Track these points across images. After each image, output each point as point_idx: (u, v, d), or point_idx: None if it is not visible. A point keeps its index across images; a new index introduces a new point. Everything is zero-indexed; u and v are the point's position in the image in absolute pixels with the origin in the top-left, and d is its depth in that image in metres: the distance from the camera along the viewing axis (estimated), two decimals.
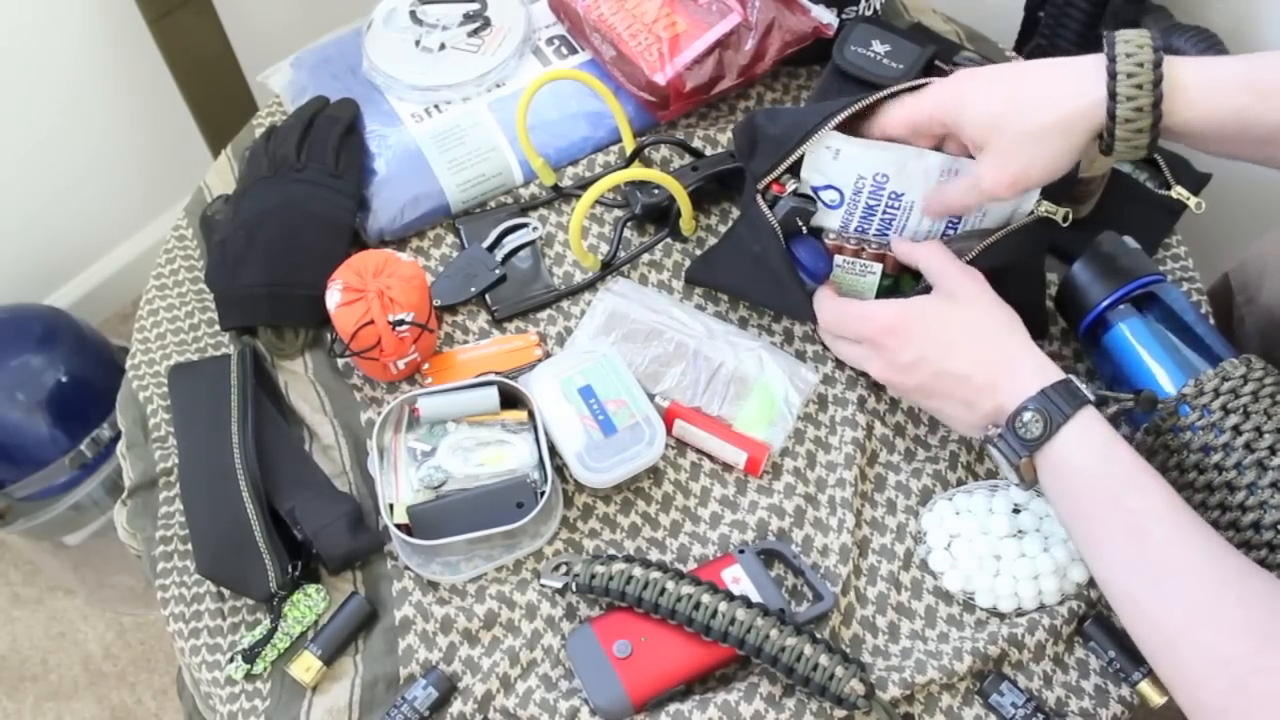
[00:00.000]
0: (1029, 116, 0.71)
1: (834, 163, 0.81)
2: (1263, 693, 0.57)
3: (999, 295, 0.76)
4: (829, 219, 0.84)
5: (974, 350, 0.73)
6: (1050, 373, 0.70)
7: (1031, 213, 0.79)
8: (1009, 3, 1.19)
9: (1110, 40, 0.69)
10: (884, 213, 0.82)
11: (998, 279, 0.78)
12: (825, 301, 0.81)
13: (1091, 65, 0.70)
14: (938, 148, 0.80)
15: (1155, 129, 0.69)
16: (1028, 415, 0.69)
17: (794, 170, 0.83)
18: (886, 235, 0.83)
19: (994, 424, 0.72)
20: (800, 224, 0.83)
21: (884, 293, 0.85)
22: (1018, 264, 0.81)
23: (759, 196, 0.82)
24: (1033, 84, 0.72)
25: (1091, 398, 0.69)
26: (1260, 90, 0.67)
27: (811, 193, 0.83)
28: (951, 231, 0.83)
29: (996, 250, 0.79)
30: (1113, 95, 0.68)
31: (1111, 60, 0.68)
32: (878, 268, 0.84)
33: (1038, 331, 0.87)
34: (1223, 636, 0.59)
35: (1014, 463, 0.70)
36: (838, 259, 0.84)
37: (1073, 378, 0.70)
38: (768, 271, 0.83)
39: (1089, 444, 0.68)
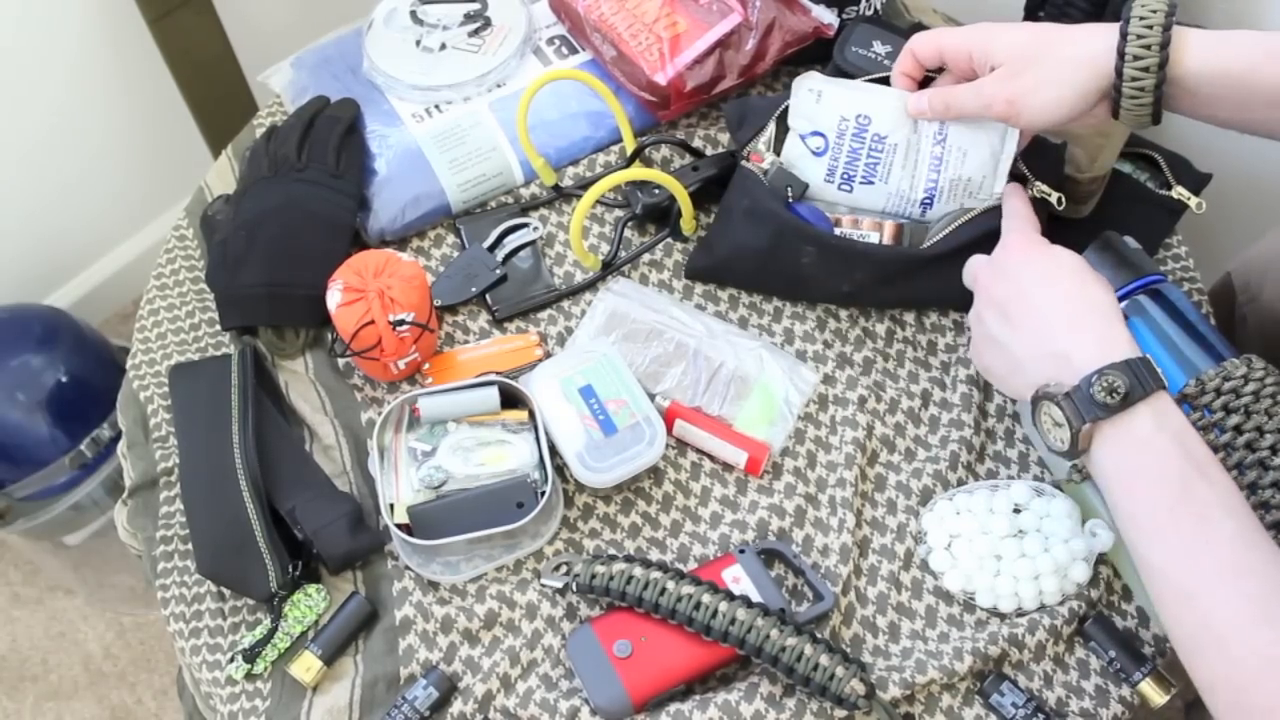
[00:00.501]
0: (1049, 50, 0.75)
1: (816, 105, 0.84)
2: None
3: None
4: (815, 168, 0.86)
5: (1070, 294, 0.70)
6: (1134, 349, 0.67)
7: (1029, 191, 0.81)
8: (1009, 3, 1.18)
9: (1129, 4, 0.72)
10: (868, 155, 0.84)
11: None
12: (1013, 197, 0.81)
13: (1111, 26, 0.74)
14: (922, 87, 0.83)
15: (1159, 88, 0.71)
16: (1110, 378, 0.64)
17: (775, 151, 0.88)
18: (872, 181, 0.85)
19: (1055, 381, 0.68)
20: (788, 190, 0.84)
21: None
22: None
23: (744, 161, 0.86)
24: (1060, 30, 0.76)
25: (1166, 383, 0.66)
26: (1271, 51, 0.68)
27: (800, 141, 0.86)
28: (933, 186, 0.84)
29: (988, 217, 0.81)
30: (1123, 37, 0.71)
31: (1126, 21, 0.72)
32: (875, 236, 0.85)
33: None
34: None
35: (1076, 426, 0.66)
36: (835, 230, 0.86)
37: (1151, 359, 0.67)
38: (763, 215, 0.85)
39: (1169, 423, 0.64)
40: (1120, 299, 0.81)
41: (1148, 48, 0.71)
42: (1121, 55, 0.72)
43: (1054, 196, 0.82)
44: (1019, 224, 0.77)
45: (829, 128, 0.84)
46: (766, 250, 0.86)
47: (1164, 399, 0.65)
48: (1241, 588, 0.60)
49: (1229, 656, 0.59)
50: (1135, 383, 0.64)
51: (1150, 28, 0.71)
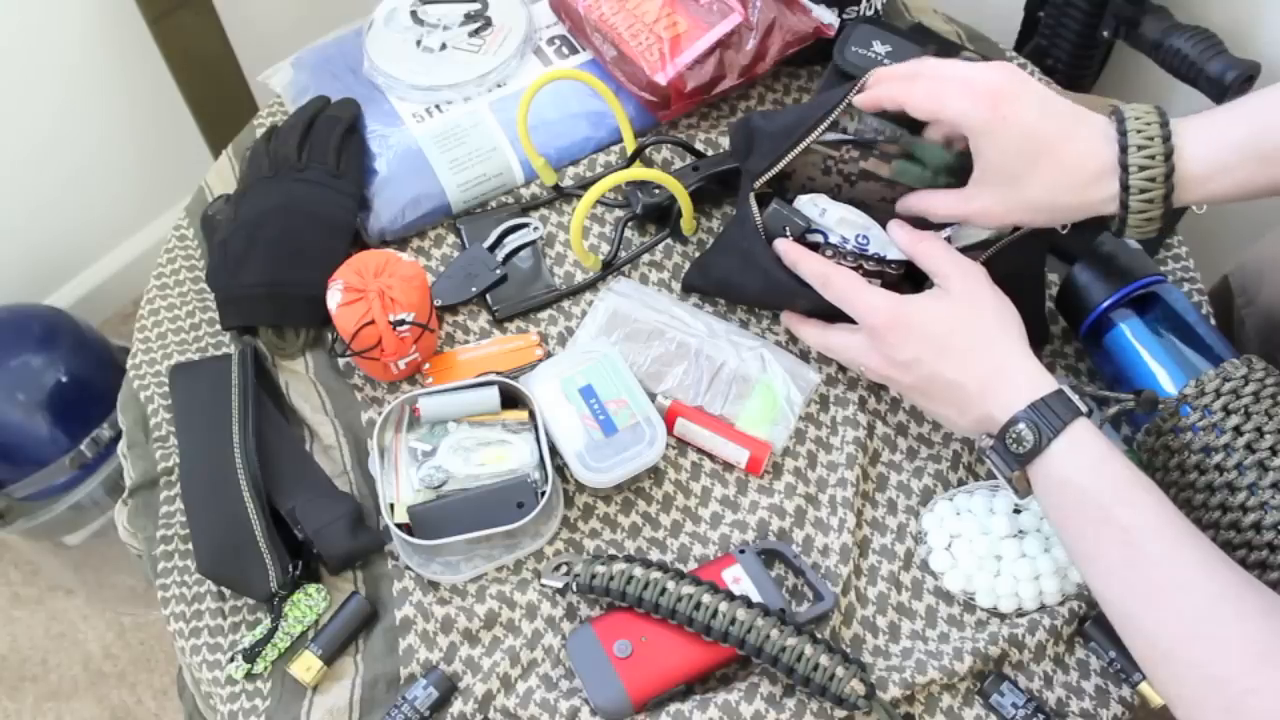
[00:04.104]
0: (1049, 189, 0.72)
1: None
2: (1260, 712, 0.56)
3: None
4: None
5: (967, 356, 0.72)
6: (1042, 383, 0.69)
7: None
8: (1009, 3, 1.19)
9: (1121, 125, 0.70)
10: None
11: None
12: (835, 276, 0.78)
13: (1109, 153, 0.70)
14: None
15: (1165, 217, 0.70)
16: (1018, 428, 0.67)
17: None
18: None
19: (987, 433, 0.71)
20: (786, 230, 0.82)
21: None
22: (1017, 272, 0.80)
23: (751, 195, 0.83)
24: (1067, 157, 0.71)
25: (1084, 409, 0.68)
26: (1265, 157, 0.68)
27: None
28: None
29: (995, 262, 0.78)
30: (1125, 187, 0.69)
31: (1124, 151, 0.69)
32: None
33: (1039, 339, 0.87)
34: (1218, 654, 0.59)
35: (1006, 476, 0.70)
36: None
37: (1065, 388, 0.69)
38: (756, 268, 0.83)
39: (1080, 458, 0.67)
40: (1120, 300, 0.81)
41: (1150, 205, 0.69)
42: (1125, 207, 0.70)
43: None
44: (885, 300, 0.76)
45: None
46: (758, 293, 0.86)
47: (1078, 430, 0.67)
48: (1175, 608, 0.61)
49: (1174, 675, 0.61)
50: (1043, 422, 0.67)
51: (1152, 157, 0.69)
